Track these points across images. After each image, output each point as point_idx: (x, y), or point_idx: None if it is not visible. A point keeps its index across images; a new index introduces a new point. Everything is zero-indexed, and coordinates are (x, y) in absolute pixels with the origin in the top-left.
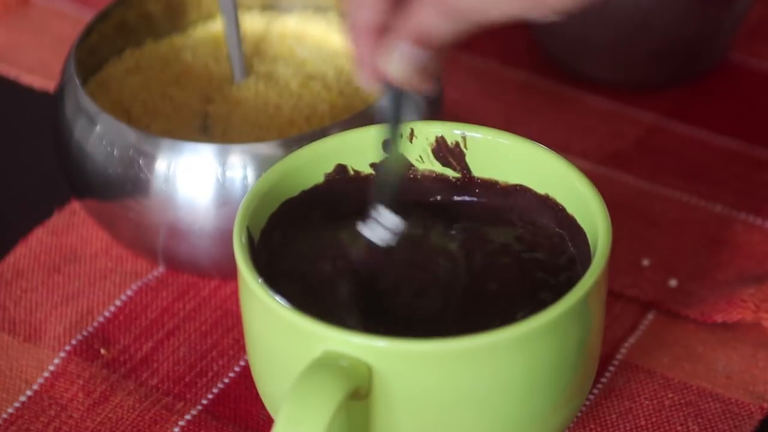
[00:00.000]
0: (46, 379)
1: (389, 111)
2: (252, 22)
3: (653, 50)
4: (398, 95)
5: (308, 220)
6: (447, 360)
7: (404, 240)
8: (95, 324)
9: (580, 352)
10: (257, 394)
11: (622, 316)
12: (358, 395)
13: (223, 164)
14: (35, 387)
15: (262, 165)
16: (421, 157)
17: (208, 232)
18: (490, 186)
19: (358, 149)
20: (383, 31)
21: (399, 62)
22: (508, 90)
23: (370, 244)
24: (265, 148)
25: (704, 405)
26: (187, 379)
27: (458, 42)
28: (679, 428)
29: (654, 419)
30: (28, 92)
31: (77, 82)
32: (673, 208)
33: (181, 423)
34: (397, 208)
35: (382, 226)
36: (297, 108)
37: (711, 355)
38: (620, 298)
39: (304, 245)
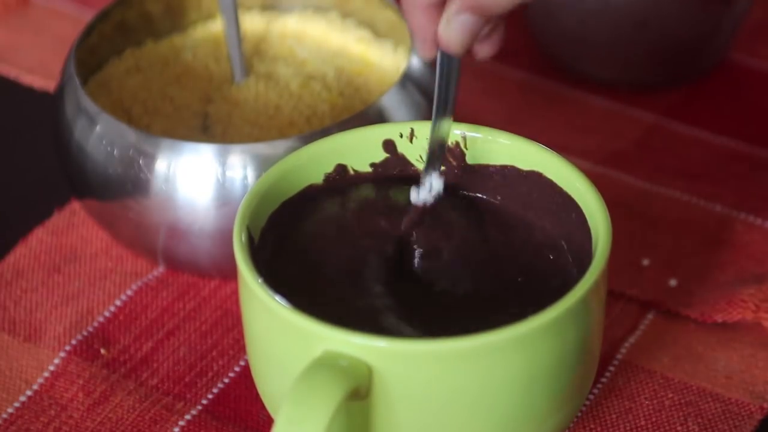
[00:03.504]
0: (46, 379)
1: (441, 78)
2: (252, 22)
3: (653, 50)
4: (450, 63)
5: (308, 219)
6: (447, 360)
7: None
8: (95, 324)
9: (580, 352)
10: (257, 394)
11: (622, 316)
12: (358, 395)
13: (223, 164)
14: (35, 387)
15: (262, 165)
16: (421, 157)
17: (208, 232)
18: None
19: (358, 149)
20: (441, 4)
21: (457, 31)
22: (508, 90)
23: (411, 205)
24: (265, 148)
25: (704, 405)
26: (187, 379)
27: (514, 10)
28: (679, 428)
29: (654, 419)
30: (28, 92)
31: (77, 82)
32: (673, 208)
33: (181, 423)
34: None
35: (426, 190)
36: (297, 108)
37: (711, 355)
38: (620, 298)
39: (305, 245)
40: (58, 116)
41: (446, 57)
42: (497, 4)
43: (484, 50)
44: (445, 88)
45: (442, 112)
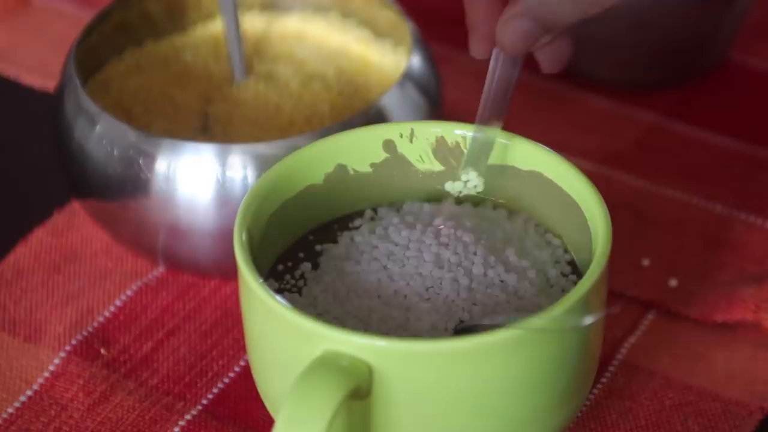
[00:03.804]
0: (46, 379)
1: (493, 78)
2: (252, 22)
3: (653, 50)
4: (509, 64)
5: (308, 220)
6: (447, 360)
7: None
8: (95, 324)
9: (580, 352)
10: (257, 394)
11: (622, 316)
12: (359, 395)
13: (223, 164)
14: (35, 387)
15: (262, 165)
16: (421, 157)
17: (208, 232)
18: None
19: (358, 149)
20: (505, 1)
21: (513, 33)
22: None
23: (447, 196)
24: (265, 148)
25: (704, 405)
26: (187, 379)
27: (574, 25)
28: (679, 428)
29: (654, 419)
30: (28, 92)
31: (77, 82)
32: (673, 208)
33: (181, 423)
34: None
35: (463, 184)
36: (297, 108)
37: (711, 355)
38: (620, 298)
39: (306, 245)
40: (58, 116)
41: (506, 59)
42: (557, 17)
43: (548, 62)
44: (498, 90)
45: (487, 114)
